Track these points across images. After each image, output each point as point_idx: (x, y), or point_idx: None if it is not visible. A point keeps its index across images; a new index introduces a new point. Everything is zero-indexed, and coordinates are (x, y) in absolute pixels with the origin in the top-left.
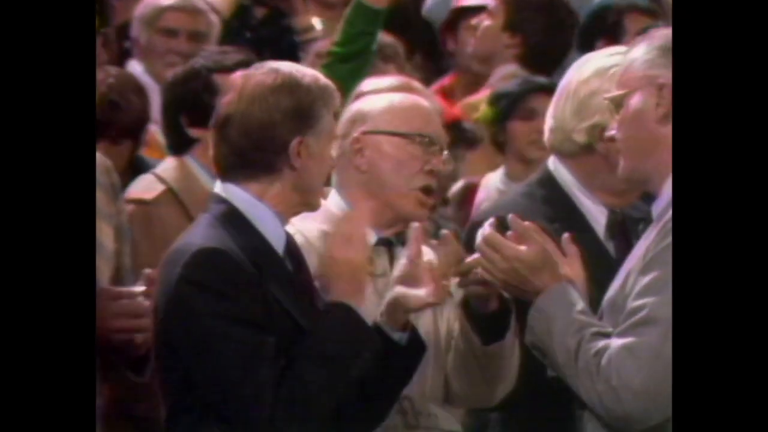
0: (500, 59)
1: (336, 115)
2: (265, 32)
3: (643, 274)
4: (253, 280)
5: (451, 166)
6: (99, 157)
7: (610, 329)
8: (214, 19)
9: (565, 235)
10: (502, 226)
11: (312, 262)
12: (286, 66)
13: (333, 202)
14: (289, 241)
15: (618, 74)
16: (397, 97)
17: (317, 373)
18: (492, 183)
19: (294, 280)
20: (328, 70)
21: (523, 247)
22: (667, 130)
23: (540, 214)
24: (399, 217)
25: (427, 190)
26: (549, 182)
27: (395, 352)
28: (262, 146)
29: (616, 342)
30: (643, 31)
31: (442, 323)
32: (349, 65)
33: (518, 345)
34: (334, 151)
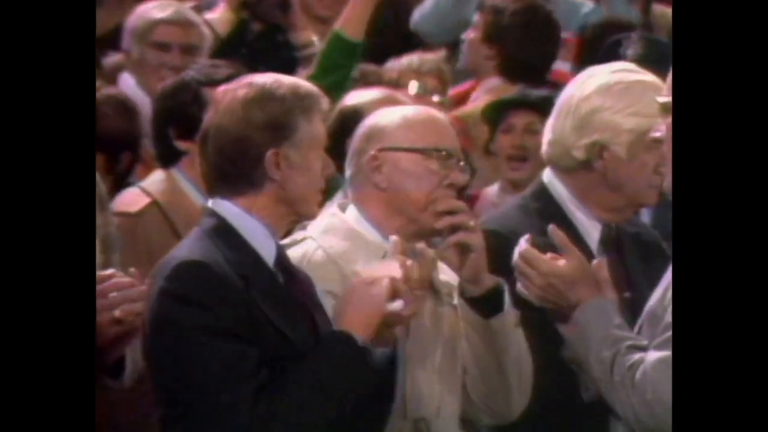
0: (485, 72)
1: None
2: (261, 47)
3: None
4: (235, 293)
5: (467, 177)
6: None
7: (645, 342)
8: (206, 32)
9: (596, 261)
10: (497, 237)
11: (332, 278)
12: (262, 78)
13: (354, 218)
14: (280, 254)
15: (666, 82)
16: (411, 111)
17: (308, 395)
18: (489, 196)
19: (284, 292)
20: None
21: (561, 262)
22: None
23: (533, 227)
24: (423, 232)
25: (446, 203)
26: (543, 195)
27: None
28: (237, 160)
29: (652, 355)
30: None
31: (457, 340)
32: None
33: (523, 334)
34: (348, 169)
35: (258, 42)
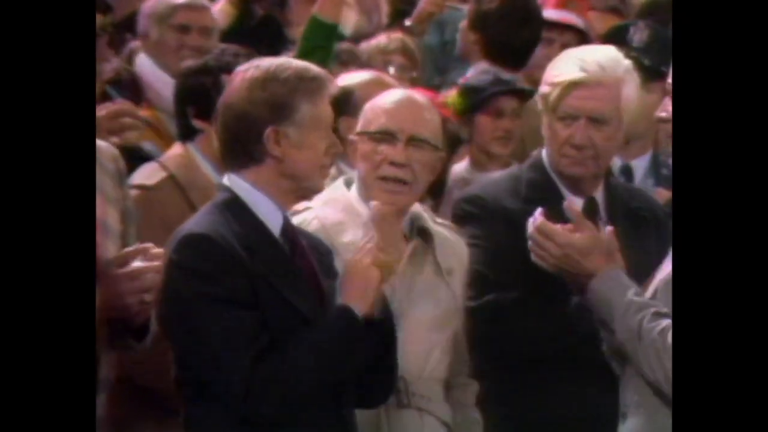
0: (474, 57)
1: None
2: (263, 33)
3: None
4: (237, 263)
5: (423, 157)
6: (106, 145)
7: (665, 309)
8: (216, 15)
9: (608, 230)
10: (474, 203)
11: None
12: (268, 61)
13: (355, 194)
14: (286, 225)
15: None
16: (382, 98)
17: (303, 360)
18: (458, 172)
19: (289, 262)
20: None
21: (576, 234)
22: None
23: (519, 194)
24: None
25: (393, 179)
26: (539, 168)
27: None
28: (240, 136)
29: None
30: (614, 30)
31: (446, 310)
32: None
33: None
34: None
35: (260, 28)
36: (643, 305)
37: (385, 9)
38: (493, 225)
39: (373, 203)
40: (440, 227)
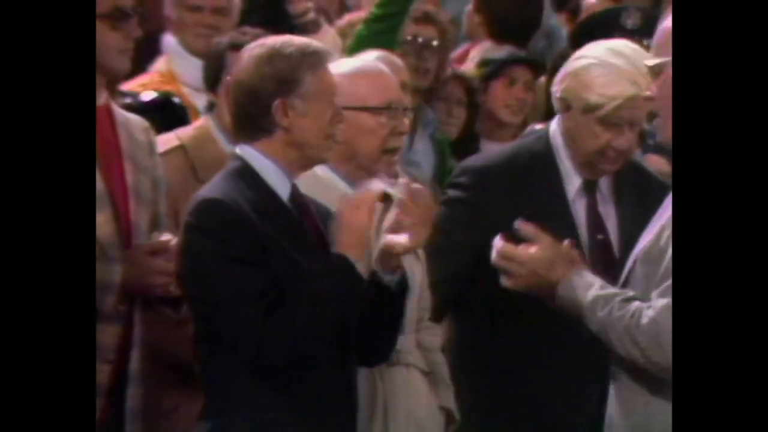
0: (478, 37)
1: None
2: (270, 12)
3: None
4: (248, 225)
5: (409, 120)
6: (137, 118)
7: (632, 293)
8: None
9: (565, 242)
10: (469, 172)
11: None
12: (273, 39)
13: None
14: (294, 191)
15: (654, 42)
16: (360, 69)
17: (306, 311)
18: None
19: (297, 224)
20: (366, 25)
21: (533, 249)
22: None
23: (520, 167)
24: (371, 174)
25: (394, 151)
26: (543, 141)
27: (388, 295)
28: (250, 109)
29: (659, 302)
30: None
31: (413, 267)
32: (382, 24)
33: None
34: None
35: (267, 8)
36: (608, 297)
37: None
38: (483, 195)
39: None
40: (397, 186)
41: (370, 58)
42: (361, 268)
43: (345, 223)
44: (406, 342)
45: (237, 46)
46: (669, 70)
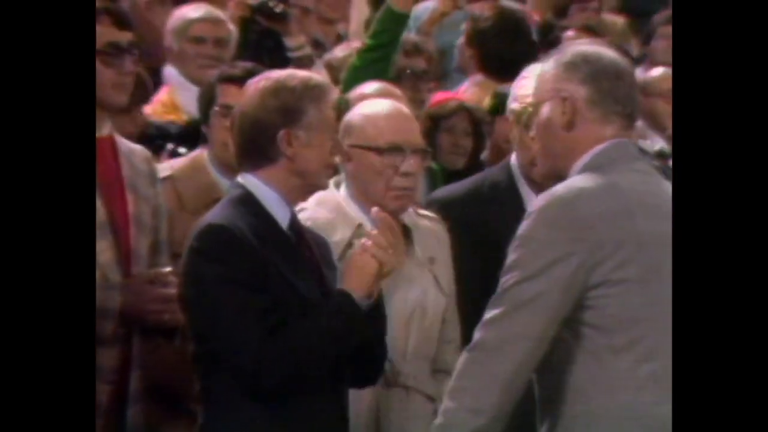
0: (471, 70)
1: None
2: (265, 46)
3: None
4: (249, 250)
5: (424, 164)
6: (139, 148)
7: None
8: (232, 27)
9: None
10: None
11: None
12: (277, 73)
13: (343, 194)
14: (293, 219)
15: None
16: (372, 110)
17: (306, 342)
18: None
19: (295, 251)
20: (359, 56)
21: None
22: (574, 135)
23: (483, 196)
24: (386, 210)
25: (402, 188)
26: (506, 171)
27: (364, 317)
28: (255, 139)
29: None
30: None
31: (429, 296)
32: (375, 54)
33: None
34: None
35: (263, 39)
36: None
37: None
38: (448, 225)
39: (374, 210)
40: (422, 219)
41: (372, 89)
42: (363, 307)
43: (353, 262)
44: (408, 366)
45: (227, 79)
46: (542, 113)
